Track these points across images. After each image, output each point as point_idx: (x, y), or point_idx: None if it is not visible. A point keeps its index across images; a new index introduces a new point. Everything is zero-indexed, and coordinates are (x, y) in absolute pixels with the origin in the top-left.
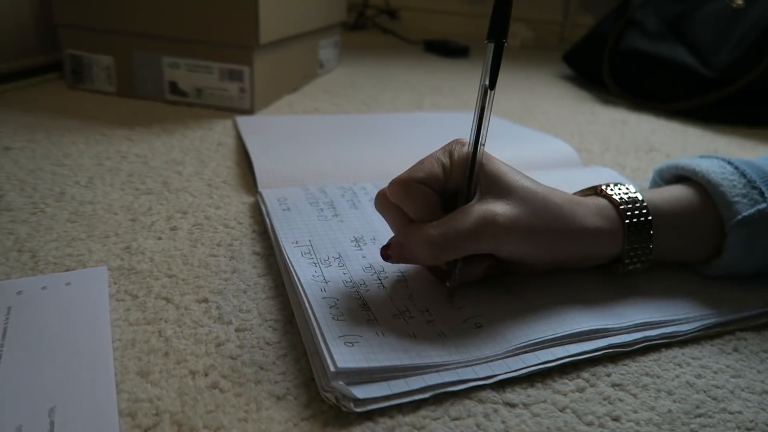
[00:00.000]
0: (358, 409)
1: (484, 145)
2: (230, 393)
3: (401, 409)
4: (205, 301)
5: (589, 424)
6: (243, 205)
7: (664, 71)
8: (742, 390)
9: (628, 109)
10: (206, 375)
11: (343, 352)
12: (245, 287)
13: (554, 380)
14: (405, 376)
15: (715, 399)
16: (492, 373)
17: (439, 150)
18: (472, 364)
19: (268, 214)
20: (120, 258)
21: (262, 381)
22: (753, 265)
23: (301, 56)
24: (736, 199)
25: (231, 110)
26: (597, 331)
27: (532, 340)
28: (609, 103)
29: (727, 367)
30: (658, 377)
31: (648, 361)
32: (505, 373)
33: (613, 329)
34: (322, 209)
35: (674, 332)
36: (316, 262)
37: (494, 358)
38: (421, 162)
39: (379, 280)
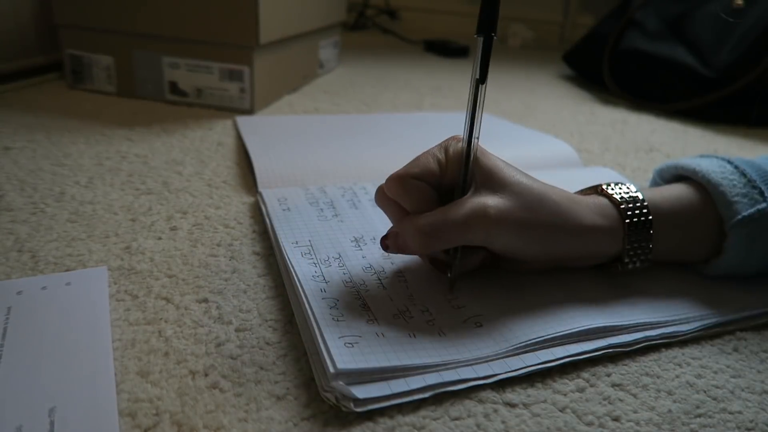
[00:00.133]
0: (358, 409)
1: (478, 138)
2: (230, 393)
3: (401, 409)
4: (205, 301)
5: (589, 424)
6: (243, 205)
7: (664, 71)
8: (742, 390)
9: (628, 109)
10: (206, 375)
11: (343, 353)
12: (245, 287)
13: (554, 380)
14: (405, 376)
15: (715, 399)
16: (492, 373)
17: (436, 146)
18: (472, 364)
19: (268, 214)
20: (120, 258)
21: (262, 381)
22: (753, 265)
23: (301, 56)
24: (736, 198)
25: (231, 110)
26: (597, 330)
27: (532, 340)
28: (609, 103)
29: (727, 367)
30: (658, 377)
31: (648, 361)
32: (505, 372)
33: (612, 328)
34: (322, 209)
35: (674, 332)
36: (316, 262)
37: (494, 357)
38: (417, 158)
39: (379, 280)
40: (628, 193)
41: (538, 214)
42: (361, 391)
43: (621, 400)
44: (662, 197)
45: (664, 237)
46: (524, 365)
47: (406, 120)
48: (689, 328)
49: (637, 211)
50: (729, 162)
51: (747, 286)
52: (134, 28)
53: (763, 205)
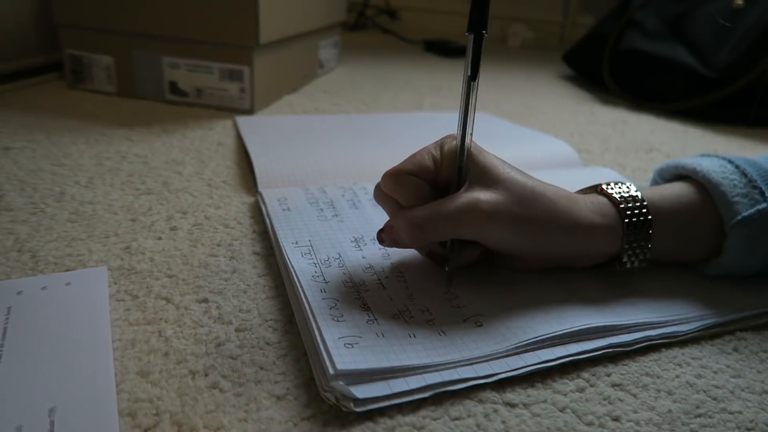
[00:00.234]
0: (358, 409)
1: (471, 135)
2: (230, 393)
3: (401, 409)
4: (205, 301)
5: (589, 424)
6: (243, 205)
7: (664, 71)
8: (742, 390)
9: (628, 109)
10: (206, 375)
11: (343, 354)
12: (245, 287)
13: (554, 380)
14: (405, 376)
15: (715, 399)
16: (492, 372)
17: (431, 144)
18: (473, 363)
19: (268, 214)
20: (120, 258)
21: (262, 381)
22: (753, 265)
23: (301, 56)
24: (737, 198)
25: (231, 110)
26: (597, 329)
27: (532, 339)
28: (609, 103)
29: (727, 367)
30: (658, 377)
31: (648, 361)
32: (506, 371)
33: (612, 328)
34: (322, 209)
35: (674, 332)
36: (316, 262)
37: (495, 356)
38: (412, 155)
39: (379, 280)
40: (627, 192)
41: (531, 209)
42: (361, 391)
43: (621, 400)
44: (662, 197)
45: (663, 237)
46: (524, 364)
47: (406, 120)
48: (689, 328)
49: (636, 211)
50: (730, 161)
51: (747, 287)
52: (134, 28)
53: (764, 205)
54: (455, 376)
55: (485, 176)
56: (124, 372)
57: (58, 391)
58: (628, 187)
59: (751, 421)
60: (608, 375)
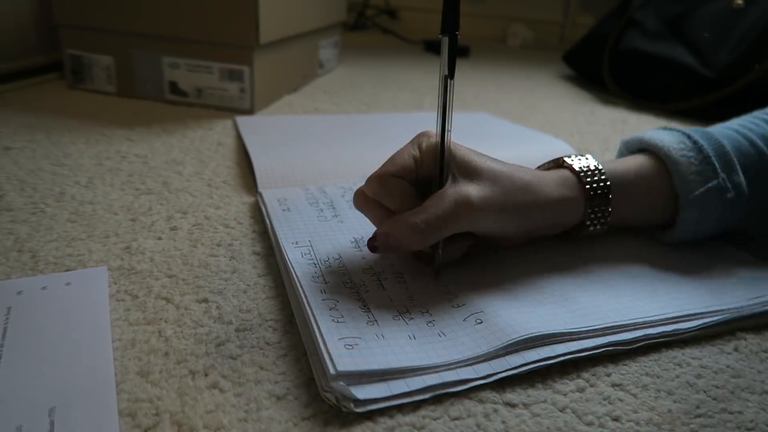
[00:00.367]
0: (359, 410)
1: (450, 131)
2: (230, 393)
3: (401, 409)
4: (205, 301)
5: (589, 424)
6: (243, 205)
7: (664, 71)
8: (742, 390)
9: (628, 109)
10: (206, 375)
11: (343, 355)
12: (245, 287)
13: (554, 380)
14: (405, 377)
15: (715, 399)
16: (492, 371)
17: (408, 144)
18: (472, 363)
19: (268, 215)
20: (120, 258)
21: (262, 381)
22: (703, 233)
23: (301, 56)
24: (692, 177)
25: (231, 110)
26: (597, 329)
27: (533, 334)
28: (609, 103)
29: (727, 367)
30: (658, 377)
31: (648, 361)
32: (506, 370)
33: (613, 327)
34: (322, 209)
35: (675, 330)
36: (316, 262)
37: (495, 354)
38: (392, 157)
39: (379, 281)
40: (587, 165)
41: (514, 197)
42: (361, 392)
43: (621, 400)
44: (623, 167)
45: (623, 205)
46: (525, 362)
47: (406, 120)
48: (689, 326)
49: (596, 179)
50: (688, 137)
51: (745, 280)
52: (134, 28)
53: (715, 182)
54: (455, 378)
55: (467, 170)
56: (124, 372)
57: (58, 391)
58: (587, 158)
59: (751, 421)
60: (608, 375)
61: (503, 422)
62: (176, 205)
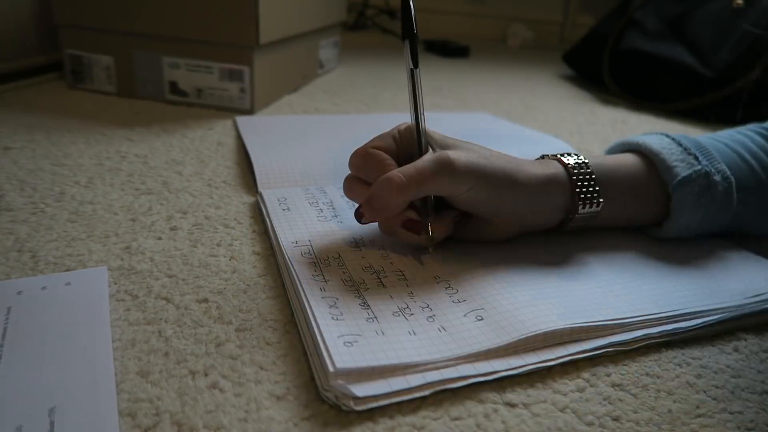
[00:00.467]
0: (358, 408)
1: (424, 115)
2: (230, 393)
3: (401, 408)
4: (205, 301)
5: (589, 424)
6: (243, 205)
7: (664, 71)
8: (742, 390)
9: (628, 109)
10: (206, 375)
11: (342, 352)
12: (245, 287)
13: (554, 380)
14: (405, 374)
15: (715, 399)
16: (492, 370)
17: (389, 129)
18: (473, 361)
19: (268, 214)
20: (120, 258)
21: (262, 381)
22: (700, 225)
23: (301, 56)
24: (675, 163)
25: (231, 110)
26: (597, 328)
27: (533, 333)
28: (609, 103)
29: (727, 367)
30: (658, 377)
31: (648, 361)
32: (506, 370)
33: (613, 326)
34: (321, 209)
35: (675, 329)
36: (315, 261)
37: (495, 353)
38: (374, 138)
39: (379, 279)
40: (571, 158)
41: (494, 162)
42: (360, 390)
43: (621, 400)
44: (607, 159)
45: (611, 192)
46: (524, 363)
47: (405, 120)
48: (690, 324)
49: (579, 163)
50: (667, 136)
51: (743, 276)
52: (134, 28)
53: (699, 167)
54: (455, 374)
55: (445, 146)
56: (124, 372)
57: (58, 391)
58: (570, 155)
59: (751, 422)
60: (608, 375)
61: (503, 422)
62: (176, 205)
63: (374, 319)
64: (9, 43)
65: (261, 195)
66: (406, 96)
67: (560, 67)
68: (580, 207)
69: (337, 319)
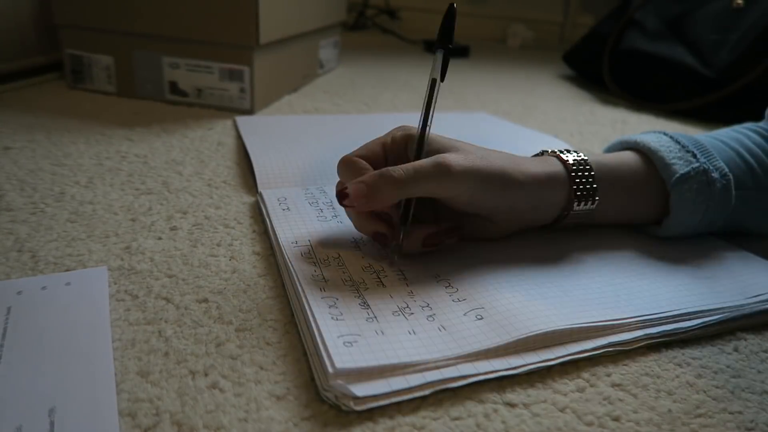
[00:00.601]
0: (358, 408)
1: (430, 126)
2: (230, 393)
3: (401, 409)
4: (205, 301)
5: (589, 424)
6: (243, 205)
7: (664, 71)
8: (742, 390)
9: (628, 109)
10: (206, 375)
11: (342, 353)
12: (245, 287)
13: (554, 380)
14: (405, 374)
15: (715, 399)
16: (492, 369)
17: (383, 134)
18: (473, 360)
19: (268, 214)
20: (120, 258)
21: (262, 381)
22: (698, 222)
23: (301, 56)
24: (674, 161)
25: (231, 110)
26: (597, 328)
27: (534, 333)
28: (609, 103)
29: (727, 367)
30: (658, 377)
31: (648, 361)
32: (506, 369)
33: (613, 326)
34: (321, 209)
35: (675, 329)
36: (315, 261)
37: (495, 352)
38: (364, 144)
39: (379, 278)
40: (571, 155)
41: (492, 162)
42: (360, 389)
43: (621, 400)
44: (605, 156)
45: (609, 190)
46: (524, 363)
47: (405, 120)
48: (690, 324)
49: (580, 162)
50: (665, 134)
51: (746, 276)
52: (134, 28)
53: (697, 164)
54: (455, 374)
55: (443, 149)
56: (124, 372)
57: (58, 391)
58: (569, 151)
59: (751, 422)
60: (608, 375)
61: (503, 422)
62: (176, 205)
63: (374, 319)
64: (9, 43)
65: (261, 195)
66: (405, 96)
67: (560, 67)
68: (575, 204)
69: (337, 319)
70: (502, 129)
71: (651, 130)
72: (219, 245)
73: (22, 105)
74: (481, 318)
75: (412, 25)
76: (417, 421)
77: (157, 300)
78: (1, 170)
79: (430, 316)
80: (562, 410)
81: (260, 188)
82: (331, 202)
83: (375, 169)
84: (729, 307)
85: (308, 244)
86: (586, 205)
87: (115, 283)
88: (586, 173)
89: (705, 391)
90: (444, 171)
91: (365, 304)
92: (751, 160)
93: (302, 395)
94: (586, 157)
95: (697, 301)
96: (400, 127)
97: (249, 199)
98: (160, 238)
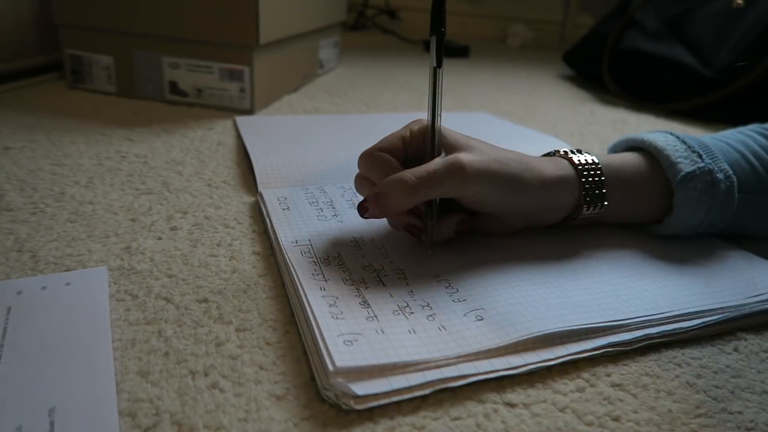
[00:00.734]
0: (358, 407)
1: (440, 115)
2: (230, 393)
3: (401, 409)
4: (205, 301)
5: (589, 424)
6: (243, 205)
7: (664, 71)
8: (742, 390)
9: (628, 109)
10: (206, 375)
11: (342, 351)
12: (245, 287)
13: (554, 380)
14: (405, 373)
15: (715, 399)
16: (492, 369)
17: (400, 128)
18: (473, 360)
19: (268, 214)
20: (120, 258)
21: (262, 381)
22: (701, 222)
23: (301, 56)
24: (679, 160)
25: (231, 110)
26: (597, 329)
27: (534, 334)
28: (609, 103)
29: (727, 367)
30: (658, 377)
31: (648, 361)
32: (506, 369)
33: (613, 326)
34: (321, 209)
35: (675, 329)
36: (315, 261)
37: (496, 352)
38: (383, 138)
39: (379, 278)
40: (580, 155)
41: (506, 164)
42: (360, 388)
43: (621, 400)
44: (613, 157)
45: (617, 190)
46: (525, 363)
47: (406, 120)
48: (690, 324)
49: (589, 164)
50: (671, 133)
51: (746, 276)
52: (134, 28)
53: (702, 164)
54: (456, 373)
55: (457, 146)
56: (124, 372)
57: (58, 391)
58: (579, 151)
59: (751, 422)
60: (608, 375)
61: (503, 422)
62: (176, 205)
63: (374, 318)
64: (9, 43)
65: (261, 195)
66: (405, 96)
67: (560, 67)
68: (584, 209)
69: (337, 318)
70: (502, 129)
71: (657, 130)
72: (219, 245)
73: (22, 105)
74: (482, 318)
75: (412, 25)
76: (417, 421)
77: (157, 300)
78: (1, 170)
79: (431, 315)
80: (562, 410)
81: (260, 188)
82: (331, 201)
83: (397, 161)
84: (729, 306)
85: (308, 243)
86: (594, 209)
87: (115, 283)
88: (596, 178)
89: (705, 391)
90: (458, 172)
91: (365, 303)
92: (756, 163)
93: (302, 395)
94: (597, 160)
95: (697, 301)
96: (416, 120)
97: (249, 199)
98: (160, 238)
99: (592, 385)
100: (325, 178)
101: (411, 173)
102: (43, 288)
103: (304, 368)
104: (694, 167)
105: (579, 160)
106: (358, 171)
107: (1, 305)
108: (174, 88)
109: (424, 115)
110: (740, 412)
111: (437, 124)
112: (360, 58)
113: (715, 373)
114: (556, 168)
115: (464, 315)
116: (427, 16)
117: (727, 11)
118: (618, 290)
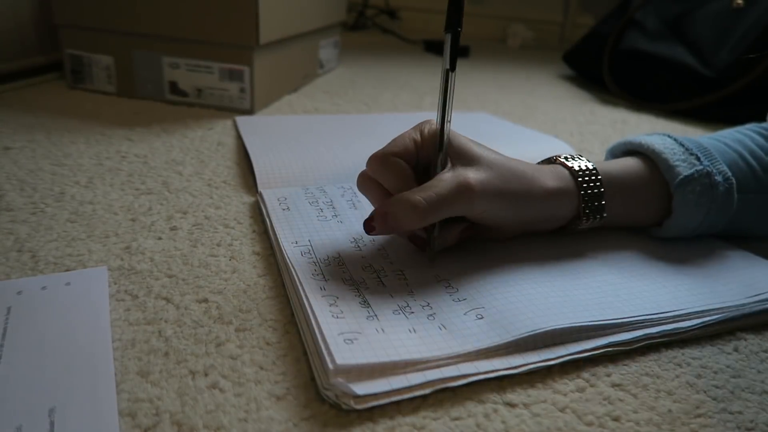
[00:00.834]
0: (358, 407)
1: (450, 121)
2: (230, 393)
3: (401, 409)
4: (205, 301)
5: (589, 424)
6: (243, 205)
7: (664, 71)
8: (742, 390)
9: (628, 109)
10: (206, 375)
11: (342, 349)
12: (245, 287)
13: (554, 380)
14: (405, 372)
15: (715, 399)
16: (493, 368)
17: (411, 129)
18: (473, 359)
19: (268, 214)
20: (120, 258)
21: (262, 381)
22: (700, 224)
23: (301, 56)
24: (677, 163)
25: (231, 110)
26: (597, 327)
27: (534, 332)
28: (609, 103)
29: (727, 367)
30: (658, 377)
31: (648, 361)
32: (507, 368)
33: (613, 325)
34: (321, 209)
35: (675, 329)
36: (315, 261)
37: (495, 352)
38: (394, 139)
39: (379, 278)
40: (580, 164)
41: (511, 183)
42: (360, 388)
43: (621, 400)
44: (613, 166)
45: (616, 197)
46: (525, 362)
47: (406, 120)
48: (690, 324)
49: (588, 174)
50: (669, 136)
51: (746, 276)
52: (134, 28)
53: (700, 167)
54: (456, 372)
55: (465, 156)
56: (124, 372)
57: (58, 391)
58: (580, 158)
59: (751, 422)
60: (608, 375)
61: (503, 422)
62: (176, 205)
63: (374, 317)
64: (9, 43)
65: (261, 195)
66: (406, 96)
67: (560, 67)
68: (584, 221)
69: (337, 317)
70: (503, 129)
71: (654, 132)
72: (219, 245)
73: (22, 105)
74: (482, 317)
75: (412, 25)
76: (417, 421)
77: (157, 300)
78: (1, 170)
79: (431, 315)
80: (562, 410)
81: (260, 188)
82: (331, 201)
83: (409, 165)
84: (729, 306)
85: (308, 243)
86: (594, 221)
87: (115, 283)
88: (595, 189)
89: (705, 391)
90: (466, 193)
91: (365, 303)
92: (754, 163)
93: (302, 395)
94: (594, 169)
95: (696, 301)
96: (427, 121)
97: (249, 199)
98: (160, 238)
99: (592, 385)
100: (325, 178)
101: (421, 196)
102: (43, 288)
103: (304, 368)
104: (692, 170)
105: (578, 168)
106: (359, 170)
107: (1, 305)
108: (174, 88)
109: (424, 116)
110: (740, 412)
111: (446, 131)
112: (360, 58)
113: (715, 373)
114: (555, 179)
115: (464, 314)
116: (427, 16)
117: (727, 11)
118: (618, 290)
